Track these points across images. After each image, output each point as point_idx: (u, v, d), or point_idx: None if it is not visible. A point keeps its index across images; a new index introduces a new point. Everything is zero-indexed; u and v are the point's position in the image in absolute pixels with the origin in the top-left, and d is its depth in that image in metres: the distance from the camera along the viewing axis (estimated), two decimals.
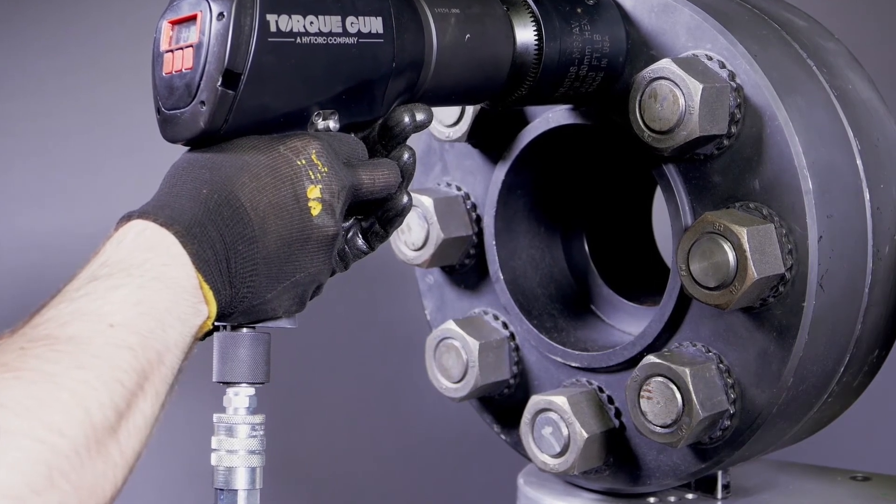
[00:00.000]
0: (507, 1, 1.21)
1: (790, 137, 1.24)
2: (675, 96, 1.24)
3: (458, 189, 1.48)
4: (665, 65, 1.25)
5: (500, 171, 1.44)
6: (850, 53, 1.43)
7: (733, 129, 1.26)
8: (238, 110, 0.99)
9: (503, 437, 1.49)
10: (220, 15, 0.98)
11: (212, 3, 0.99)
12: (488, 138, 1.45)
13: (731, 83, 1.26)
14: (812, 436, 1.47)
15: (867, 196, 1.31)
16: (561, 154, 1.47)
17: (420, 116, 1.13)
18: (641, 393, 1.29)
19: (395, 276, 2.15)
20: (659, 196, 1.37)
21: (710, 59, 1.27)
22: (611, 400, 1.39)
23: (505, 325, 1.47)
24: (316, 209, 1.01)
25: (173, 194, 0.98)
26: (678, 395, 1.26)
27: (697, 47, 1.28)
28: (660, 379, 1.27)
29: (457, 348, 1.44)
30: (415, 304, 1.59)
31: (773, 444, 1.39)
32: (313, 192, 1.01)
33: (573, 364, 1.41)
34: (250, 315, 1.01)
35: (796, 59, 1.33)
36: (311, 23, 1.01)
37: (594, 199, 1.56)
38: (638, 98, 1.26)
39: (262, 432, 1.03)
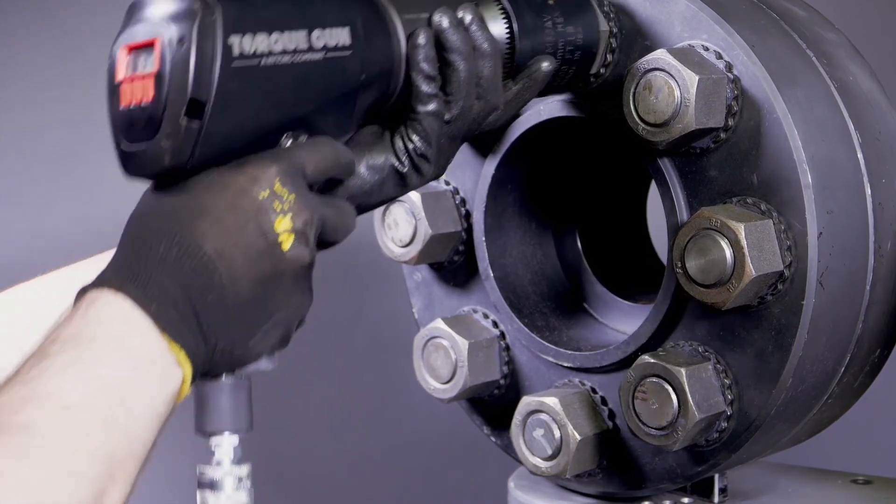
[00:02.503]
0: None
1: (789, 130, 1.23)
2: (670, 88, 1.23)
3: (447, 184, 1.47)
4: (660, 55, 1.24)
5: (490, 166, 1.42)
6: (850, 44, 1.42)
7: (730, 122, 1.25)
8: (205, 141, 0.93)
9: (493, 439, 1.48)
10: (181, 40, 0.92)
11: (170, 28, 0.92)
12: None
13: (728, 74, 1.25)
14: (812, 438, 1.46)
15: (868, 191, 1.30)
16: (552, 148, 1.46)
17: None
18: (636, 394, 1.27)
19: (382, 274, 2.14)
20: (654, 191, 1.36)
21: (707, 49, 1.26)
22: (604, 401, 1.37)
23: (495, 324, 1.45)
24: (288, 242, 0.95)
25: (128, 254, 0.92)
26: (673, 396, 1.25)
27: (693, 37, 1.27)
28: (654, 379, 1.26)
29: (445, 348, 1.42)
30: (402, 302, 1.57)
31: (772, 446, 1.38)
32: (282, 223, 0.94)
33: (565, 364, 1.39)
34: (234, 364, 0.96)
35: (795, 50, 1.32)
36: (276, 41, 0.96)
37: (587, 194, 1.55)
38: (632, 90, 1.25)
39: (249, 484, 0.98)
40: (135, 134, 0.94)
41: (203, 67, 0.92)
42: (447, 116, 1.10)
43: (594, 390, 1.38)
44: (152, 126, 0.93)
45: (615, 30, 1.31)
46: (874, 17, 2.07)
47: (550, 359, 1.41)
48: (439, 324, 1.43)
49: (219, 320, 0.92)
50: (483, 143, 1.43)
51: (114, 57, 0.95)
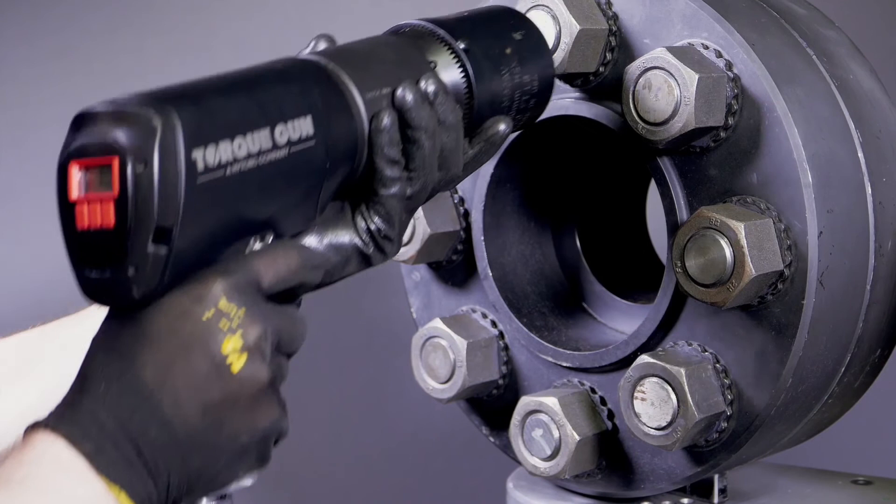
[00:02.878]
0: (436, 53, 1.09)
1: (789, 129, 1.22)
2: (669, 87, 1.22)
3: None
4: (659, 54, 1.23)
5: (489, 164, 1.41)
6: (851, 42, 1.41)
7: (730, 121, 1.25)
8: (174, 266, 0.86)
9: (492, 439, 1.47)
10: (141, 161, 0.84)
11: (129, 148, 0.84)
12: None
13: (728, 73, 1.24)
14: (812, 438, 1.45)
15: (869, 190, 1.30)
16: (552, 147, 1.45)
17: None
18: (635, 394, 1.26)
19: (380, 273, 2.13)
20: (653, 190, 1.35)
21: (707, 47, 1.25)
22: (603, 401, 1.37)
23: (494, 324, 1.44)
24: (238, 363, 0.88)
25: (74, 391, 0.87)
26: (673, 397, 1.24)
27: (693, 36, 1.27)
28: (654, 379, 1.25)
29: (444, 348, 1.41)
30: (400, 301, 1.56)
31: (772, 446, 1.37)
32: (230, 343, 0.88)
33: (564, 364, 1.39)
34: (206, 491, 0.91)
35: (796, 48, 1.32)
36: (240, 146, 0.88)
37: (586, 193, 1.55)
38: (631, 88, 1.25)
39: None
40: (96, 260, 0.86)
41: (168, 191, 0.84)
42: (409, 192, 1.03)
43: (593, 390, 1.37)
44: (116, 254, 0.85)
45: (614, 28, 1.30)
46: (875, 15, 2.06)
47: (549, 358, 1.40)
48: (437, 323, 1.42)
49: (168, 454, 0.87)
50: None
51: (65, 171, 0.86)
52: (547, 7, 1.29)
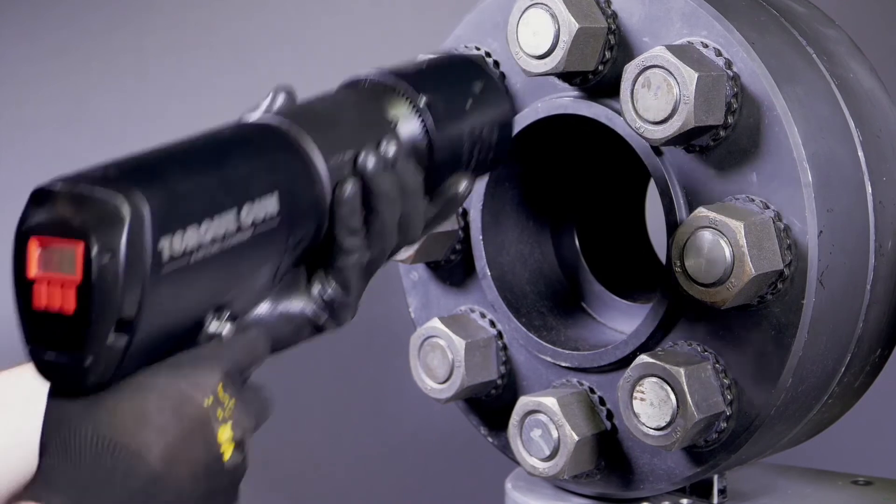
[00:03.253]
0: (397, 109, 1.05)
1: (789, 128, 1.22)
2: (668, 85, 1.22)
3: None
4: (658, 52, 1.23)
5: None
6: (851, 41, 1.41)
7: (730, 120, 1.24)
8: (132, 354, 0.84)
9: (490, 439, 1.47)
10: (107, 251, 0.81)
11: (95, 236, 0.81)
12: None
13: (728, 72, 1.24)
14: (812, 438, 1.45)
15: (869, 189, 1.29)
16: (551, 145, 1.45)
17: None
18: (634, 394, 1.26)
19: (379, 273, 2.13)
20: (652, 190, 1.35)
21: (706, 46, 1.25)
22: (602, 401, 1.36)
23: (492, 324, 1.44)
24: (228, 452, 0.87)
25: (65, 467, 0.83)
26: (672, 397, 1.24)
27: (692, 34, 1.26)
28: (653, 379, 1.25)
29: (442, 347, 1.41)
30: (398, 301, 1.55)
31: (772, 447, 1.37)
32: (224, 432, 0.86)
33: (563, 364, 1.38)
34: None
35: (795, 47, 1.32)
36: (206, 231, 0.86)
37: (585, 192, 1.54)
38: (630, 87, 1.24)
39: None
40: (52, 342, 0.83)
41: (133, 282, 0.82)
42: (367, 258, 1.00)
43: (592, 390, 1.37)
44: (75, 342, 0.83)
45: (613, 26, 1.30)
46: (875, 14, 2.06)
47: (548, 358, 1.40)
48: (436, 323, 1.42)
49: None
50: None
51: (23, 246, 0.83)
52: (546, 6, 1.29)
